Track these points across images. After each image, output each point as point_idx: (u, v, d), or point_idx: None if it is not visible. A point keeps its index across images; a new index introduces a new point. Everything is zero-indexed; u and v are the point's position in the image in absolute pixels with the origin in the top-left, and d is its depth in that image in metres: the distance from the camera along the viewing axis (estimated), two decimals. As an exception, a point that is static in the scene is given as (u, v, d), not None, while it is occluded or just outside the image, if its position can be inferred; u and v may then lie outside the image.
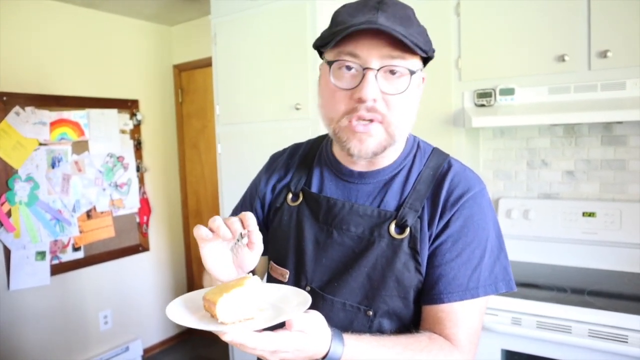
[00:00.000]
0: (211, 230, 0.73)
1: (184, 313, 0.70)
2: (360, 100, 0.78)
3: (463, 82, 1.98)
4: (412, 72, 0.80)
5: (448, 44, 1.99)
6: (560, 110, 1.71)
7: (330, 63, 0.82)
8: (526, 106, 1.83)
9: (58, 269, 2.84)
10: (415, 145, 0.95)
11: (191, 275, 3.76)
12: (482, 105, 1.92)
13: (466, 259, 0.83)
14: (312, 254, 0.91)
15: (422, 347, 0.78)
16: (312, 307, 0.72)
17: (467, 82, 1.97)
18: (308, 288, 0.90)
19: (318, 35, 0.86)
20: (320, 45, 0.84)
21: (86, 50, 3.02)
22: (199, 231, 0.73)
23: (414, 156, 0.93)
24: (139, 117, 3.30)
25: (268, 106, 2.30)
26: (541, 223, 2.08)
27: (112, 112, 3.14)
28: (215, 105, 2.52)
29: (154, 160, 3.48)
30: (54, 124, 2.82)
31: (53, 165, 2.82)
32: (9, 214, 2.62)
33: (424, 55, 0.81)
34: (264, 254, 1.09)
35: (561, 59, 1.76)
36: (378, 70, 0.78)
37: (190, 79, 3.56)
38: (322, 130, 1.14)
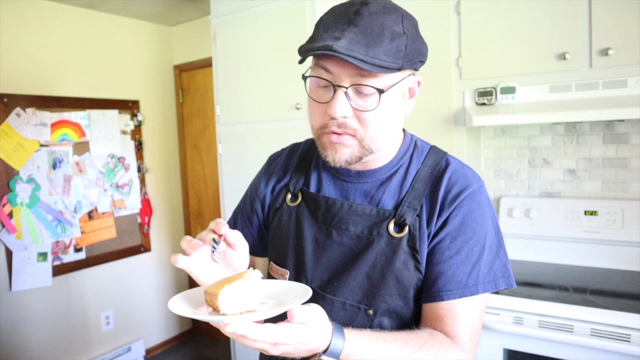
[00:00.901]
0: (185, 249, 0.76)
1: (186, 306, 0.71)
2: (331, 117, 0.80)
3: (464, 81, 1.97)
4: (380, 91, 0.78)
5: (448, 42, 1.98)
6: (562, 109, 1.70)
7: (306, 78, 0.84)
8: (527, 105, 1.82)
9: (60, 270, 2.85)
10: (412, 144, 0.95)
11: (193, 275, 3.75)
12: (483, 104, 1.91)
13: (465, 257, 0.84)
14: (311, 254, 0.92)
15: (422, 343, 0.78)
16: (315, 304, 0.72)
17: (467, 80, 1.96)
18: None
19: None
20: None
21: (87, 51, 3.02)
22: (176, 258, 0.75)
23: (411, 155, 0.93)
24: (139, 117, 3.30)
25: (268, 106, 2.30)
26: (543, 222, 2.07)
27: (113, 113, 3.14)
28: (216, 106, 2.52)
29: (155, 161, 3.48)
30: (54, 125, 2.82)
31: (54, 167, 2.82)
32: (10, 215, 2.63)
33: (394, 72, 0.78)
34: (263, 255, 1.09)
35: (562, 57, 1.75)
36: (348, 87, 0.78)
37: (191, 79, 3.56)
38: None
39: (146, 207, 3.37)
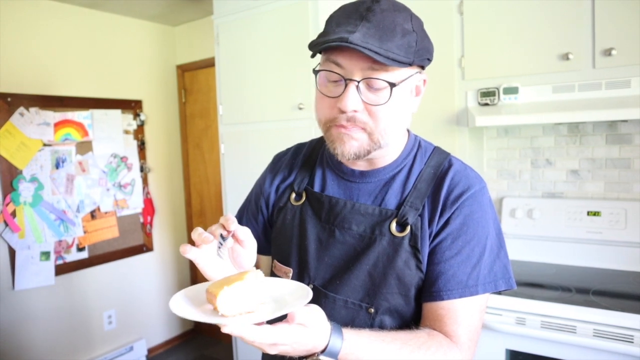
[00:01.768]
0: (195, 241, 0.77)
1: (187, 306, 0.71)
2: (341, 111, 0.81)
3: (466, 81, 1.97)
4: (392, 85, 0.79)
5: (451, 43, 1.98)
6: (565, 109, 1.70)
7: (317, 72, 0.85)
8: (530, 105, 1.82)
9: (62, 269, 2.86)
10: (416, 144, 0.95)
11: (195, 275, 3.76)
12: (486, 105, 1.91)
13: (465, 257, 0.84)
14: (314, 253, 0.92)
15: (420, 343, 0.78)
16: (315, 304, 0.73)
17: (470, 81, 1.96)
18: (311, 286, 0.91)
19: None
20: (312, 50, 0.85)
21: (90, 51, 3.03)
22: (185, 248, 0.76)
23: (415, 155, 0.93)
24: (142, 117, 3.30)
25: (271, 106, 2.30)
26: (545, 222, 2.07)
27: (116, 113, 3.14)
28: (219, 105, 2.52)
29: (158, 161, 3.48)
30: (58, 125, 2.83)
31: (57, 166, 2.83)
32: (13, 214, 2.63)
33: (405, 67, 0.80)
34: (267, 253, 1.09)
35: (565, 57, 1.75)
36: (359, 81, 0.79)
37: (194, 79, 3.57)
38: (325, 130, 1.14)
39: (148, 207, 3.37)
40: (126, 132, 3.22)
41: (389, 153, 0.90)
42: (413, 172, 0.91)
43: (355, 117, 0.81)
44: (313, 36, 2.07)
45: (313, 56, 0.84)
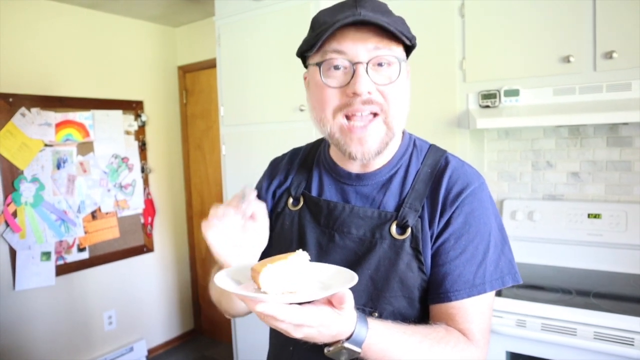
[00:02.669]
0: (215, 218, 0.79)
1: (230, 280, 0.72)
2: (355, 94, 0.79)
3: (467, 84, 1.97)
4: (400, 60, 0.81)
5: (452, 45, 1.98)
6: (565, 112, 1.70)
7: (319, 64, 0.82)
8: (531, 107, 1.82)
9: (63, 270, 2.86)
10: (411, 144, 0.94)
11: (195, 275, 3.76)
12: (487, 107, 1.91)
13: (470, 256, 0.83)
14: (315, 258, 0.91)
15: (440, 337, 0.78)
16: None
17: (471, 83, 1.96)
18: None
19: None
20: (305, 50, 0.84)
21: (91, 52, 3.03)
22: (206, 225, 0.79)
23: (411, 155, 0.93)
24: (143, 118, 3.31)
25: (272, 107, 2.31)
26: (546, 224, 2.07)
27: (117, 113, 3.15)
28: (220, 107, 2.53)
29: (159, 161, 3.49)
30: (59, 125, 2.83)
31: (58, 166, 2.83)
32: (14, 214, 2.64)
33: (409, 43, 0.82)
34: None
35: (566, 60, 1.75)
36: (367, 63, 0.79)
37: (195, 80, 3.57)
38: (325, 131, 1.14)
39: (149, 208, 3.38)
40: (127, 132, 3.22)
41: (385, 152, 0.89)
42: (410, 173, 0.90)
43: (371, 99, 0.80)
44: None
45: (307, 55, 0.84)
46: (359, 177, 0.91)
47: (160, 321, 3.51)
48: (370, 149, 0.82)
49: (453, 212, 0.84)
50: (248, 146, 2.41)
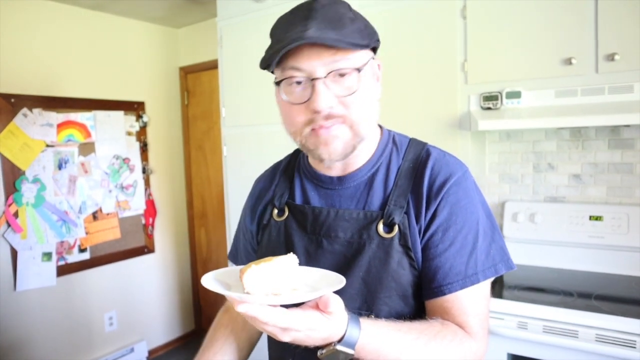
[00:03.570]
0: None
1: (216, 282, 0.71)
2: (316, 112, 0.79)
3: (469, 85, 1.97)
4: (358, 69, 0.80)
5: (454, 47, 1.98)
6: (567, 114, 1.70)
7: (278, 82, 0.83)
8: (533, 109, 1.82)
9: (64, 270, 2.86)
10: (390, 140, 0.94)
11: (196, 276, 3.76)
12: (489, 109, 1.91)
13: (460, 247, 0.82)
14: (304, 266, 0.90)
15: (436, 332, 0.77)
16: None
17: (473, 85, 1.96)
18: None
19: None
20: (266, 67, 0.84)
21: (93, 53, 3.04)
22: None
23: (391, 151, 0.92)
24: (145, 119, 3.31)
25: (274, 109, 2.29)
26: (547, 227, 2.07)
27: (119, 114, 3.15)
28: (221, 108, 2.53)
29: (160, 162, 3.49)
30: (60, 126, 2.84)
31: (60, 167, 2.83)
32: (16, 215, 2.64)
33: (364, 49, 0.81)
34: None
35: (568, 62, 1.75)
36: (325, 76, 0.78)
37: (197, 81, 3.58)
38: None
39: (150, 208, 3.38)
40: (129, 133, 3.22)
41: (361, 152, 0.88)
42: (392, 169, 0.89)
43: (332, 113, 0.79)
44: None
45: (266, 68, 0.83)
46: (341, 180, 0.91)
47: (161, 322, 3.51)
48: (335, 150, 0.82)
49: (438, 204, 0.83)
50: (249, 147, 2.42)
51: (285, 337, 0.65)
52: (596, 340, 1.49)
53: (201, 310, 3.77)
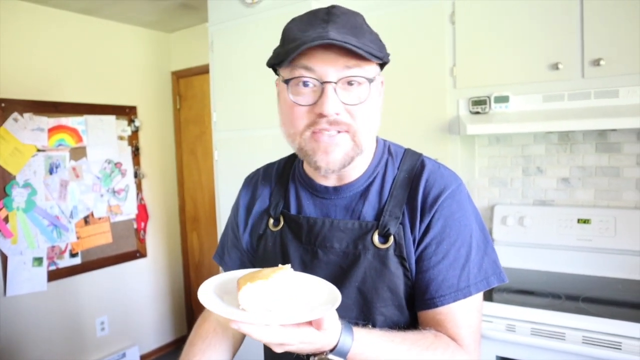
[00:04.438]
0: None
1: (213, 294, 0.72)
2: (322, 115, 0.78)
3: (458, 90, 1.99)
4: (370, 80, 0.80)
5: (443, 52, 2.00)
6: (555, 118, 1.72)
7: (287, 81, 0.81)
8: (521, 114, 1.84)
9: (55, 275, 2.84)
10: (386, 151, 0.93)
11: (188, 281, 3.75)
12: (477, 113, 1.93)
13: (453, 260, 0.83)
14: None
15: (428, 343, 0.78)
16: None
17: (462, 89, 1.98)
18: None
19: None
20: (275, 63, 0.84)
21: (85, 57, 3.03)
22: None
23: (386, 162, 0.92)
24: (137, 123, 3.31)
25: (265, 113, 2.31)
26: (536, 230, 2.09)
27: (110, 119, 3.15)
28: (212, 112, 2.53)
29: (152, 167, 3.48)
30: (52, 130, 2.83)
31: (51, 172, 2.83)
32: (6, 219, 2.63)
33: (379, 61, 0.82)
34: None
35: (555, 67, 1.77)
36: (336, 82, 0.77)
37: (188, 86, 3.58)
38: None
39: (142, 213, 3.37)
40: (120, 138, 3.22)
41: (357, 163, 0.87)
42: (387, 180, 0.89)
43: (338, 119, 0.78)
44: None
45: (279, 65, 0.82)
46: (336, 190, 0.90)
47: (153, 327, 3.50)
48: (335, 159, 0.81)
49: (432, 216, 0.84)
50: (241, 152, 2.42)
51: (278, 350, 0.67)
52: (583, 342, 1.50)
53: (193, 315, 3.76)
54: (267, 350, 1.04)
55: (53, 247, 2.84)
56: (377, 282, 0.84)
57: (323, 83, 0.77)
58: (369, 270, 0.84)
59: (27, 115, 2.72)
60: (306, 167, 0.95)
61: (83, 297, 3.03)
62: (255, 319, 0.64)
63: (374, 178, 0.90)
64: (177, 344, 3.66)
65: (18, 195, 2.68)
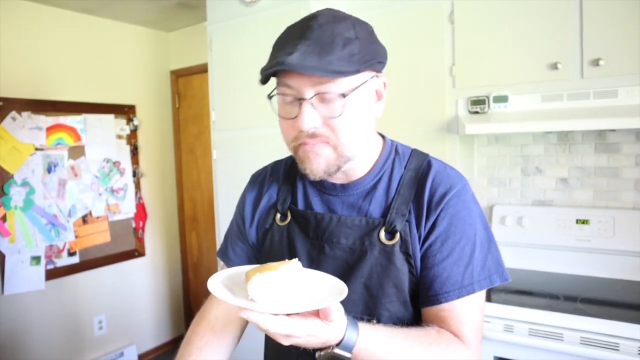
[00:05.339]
0: None
1: (222, 286, 0.73)
2: (300, 130, 0.81)
3: (457, 90, 1.99)
4: (343, 95, 0.79)
5: (442, 51, 2.00)
6: (554, 118, 1.72)
7: (270, 97, 0.86)
8: (520, 113, 1.84)
9: (53, 274, 2.84)
10: (393, 150, 0.95)
11: (187, 280, 3.75)
12: (476, 113, 1.93)
13: (457, 258, 0.84)
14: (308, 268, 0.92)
15: (431, 340, 0.79)
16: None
17: (461, 89, 1.98)
18: None
19: None
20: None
21: (83, 56, 3.03)
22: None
23: (393, 161, 0.93)
24: (135, 122, 3.30)
25: (264, 112, 2.31)
26: (535, 230, 2.08)
27: (109, 118, 3.14)
28: (211, 111, 2.53)
29: (151, 166, 3.48)
30: (50, 129, 2.82)
31: (49, 170, 2.82)
32: (4, 218, 2.62)
33: (352, 75, 0.78)
34: None
35: (554, 67, 1.77)
36: (311, 98, 0.79)
37: (187, 85, 3.58)
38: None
39: (141, 212, 3.37)
40: (119, 136, 3.21)
41: (363, 163, 0.90)
42: (394, 179, 0.91)
43: (316, 132, 0.81)
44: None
45: (264, 83, 0.84)
46: (344, 187, 0.92)
47: (151, 326, 3.50)
48: (318, 167, 0.83)
49: (438, 214, 0.86)
50: (239, 151, 2.41)
51: (285, 342, 0.68)
52: (581, 343, 1.50)
53: (191, 314, 3.75)
54: (268, 350, 1.05)
55: (51, 246, 2.83)
56: (383, 278, 0.85)
57: (300, 99, 0.80)
58: (375, 266, 0.86)
59: (25, 113, 2.72)
60: None
61: (81, 296, 3.02)
62: (264, 308, 0.65)
63: (381, 176, 0.92)
64: (175, 343, 3.66)
65: (16, 194, 2.67)
